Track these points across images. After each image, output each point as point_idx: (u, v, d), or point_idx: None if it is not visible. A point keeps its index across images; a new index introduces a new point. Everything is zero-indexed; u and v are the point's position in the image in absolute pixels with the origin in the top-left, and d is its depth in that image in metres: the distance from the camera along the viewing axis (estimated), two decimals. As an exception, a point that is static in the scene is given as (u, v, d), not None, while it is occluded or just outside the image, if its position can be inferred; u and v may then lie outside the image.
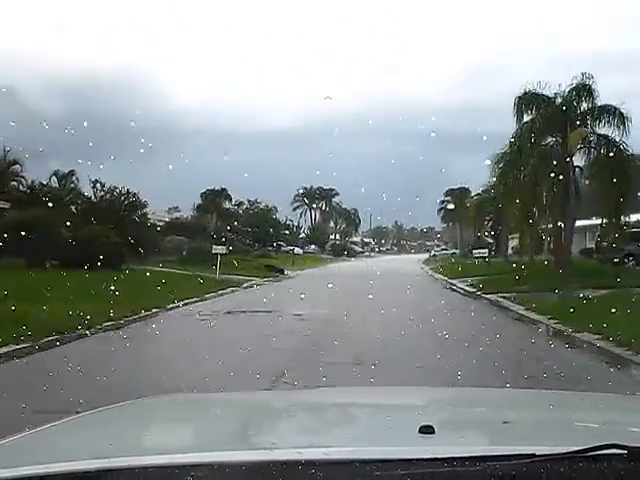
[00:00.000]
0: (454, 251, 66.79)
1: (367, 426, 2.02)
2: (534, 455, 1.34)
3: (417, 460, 1.35)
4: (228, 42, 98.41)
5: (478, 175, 60.59)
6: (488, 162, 26.85)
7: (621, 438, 1.39)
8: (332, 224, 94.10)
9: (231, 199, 47.11)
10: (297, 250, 51.31)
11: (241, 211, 48.42)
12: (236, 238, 44.08)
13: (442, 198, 66.15)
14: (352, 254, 70.30)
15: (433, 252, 74.33)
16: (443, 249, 76.93)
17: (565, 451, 1.35)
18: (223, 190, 46.62)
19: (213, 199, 45.85)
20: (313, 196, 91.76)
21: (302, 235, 78.80)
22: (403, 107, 74.37)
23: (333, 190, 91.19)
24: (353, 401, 2.48)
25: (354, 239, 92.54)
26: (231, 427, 1.97)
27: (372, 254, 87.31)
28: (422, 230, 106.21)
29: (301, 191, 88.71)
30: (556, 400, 2.47)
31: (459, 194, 62.12)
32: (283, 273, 33.64)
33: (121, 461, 1.39)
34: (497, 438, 1.74)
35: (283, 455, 1.41)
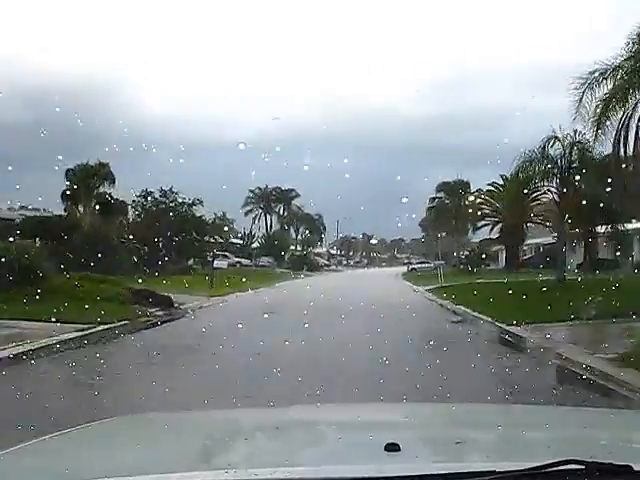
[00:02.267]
0: (441, 263, 51.93)
1: (333, 444, 1.98)
2: (494, 472, 1.35)
3: (383, 478, 1.36)
4: (187, 50, 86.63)
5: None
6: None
7: (579, 453, 1.40)
8: (293, 233, 79.76)
9: (114, 182, 29.28)
10: (219, 263, 34.15)
11: (147, 206, 32.14)
12: (129, 244, 27.98)
13: (432, 195, 50.93)
14: (315, 267, 56.59)
15: (412, 265, 61.98)
16: (422, 261, 63.65)
17: (525, 467, 1.36)
18: (103, 166, 28.49)
19: (84, 181, 27.97)
20: (269, 198, 76.35)
21: (255, 244, 64.68)
22: (370, 118, 63.23)
23: (293, 191, 76.51)
24: (319, 419, 2.44)
25: (319, 250, 78.87)
26: (195, 447, 1.93)
27: (339, 267, 76.01)
28: (392, 242, 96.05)
29: (254, 192, 73.79)
30: (517, 415, 2.52)
31: (456, 188, 46.92)
32: (171, 307, 17.45)
33: None
34: (460, 455, 1.76)
35: (239, 475, 1.39)
